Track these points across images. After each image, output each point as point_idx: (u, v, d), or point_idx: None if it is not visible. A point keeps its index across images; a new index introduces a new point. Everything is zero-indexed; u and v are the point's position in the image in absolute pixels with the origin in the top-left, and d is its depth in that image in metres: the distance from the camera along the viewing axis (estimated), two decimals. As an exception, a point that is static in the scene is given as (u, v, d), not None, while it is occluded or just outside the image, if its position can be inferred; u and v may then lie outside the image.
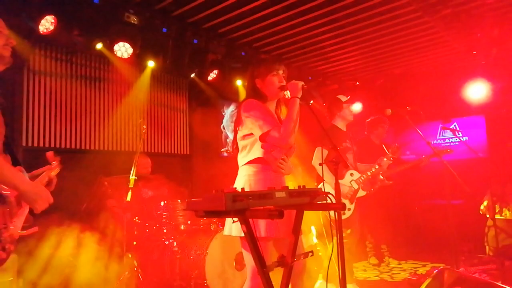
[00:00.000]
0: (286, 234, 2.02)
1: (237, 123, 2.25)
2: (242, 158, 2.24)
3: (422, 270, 4.43)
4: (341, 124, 3.67)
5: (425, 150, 4.49)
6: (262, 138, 2.15)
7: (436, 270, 3.14)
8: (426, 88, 5.87)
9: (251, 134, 2.19)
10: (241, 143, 2.25)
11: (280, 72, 2.29)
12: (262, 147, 2.17)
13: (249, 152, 2.21)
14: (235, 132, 2.28)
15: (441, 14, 4.16)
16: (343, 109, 3.60)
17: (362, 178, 3.58)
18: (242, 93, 5.70)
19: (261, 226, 2.04)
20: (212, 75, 4.95)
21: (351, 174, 3.57)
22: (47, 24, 3.54)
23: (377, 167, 3.62)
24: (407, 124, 3.73)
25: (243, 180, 2.18)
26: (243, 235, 2.00)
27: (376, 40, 4.87)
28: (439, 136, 6.39)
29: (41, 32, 3.54)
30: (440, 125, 6.09)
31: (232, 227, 2.08)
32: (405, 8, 4.06)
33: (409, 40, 4.89)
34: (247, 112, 2.18)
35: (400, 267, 4.72)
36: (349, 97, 3.62)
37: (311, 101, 2.18)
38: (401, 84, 6.15)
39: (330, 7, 4.01)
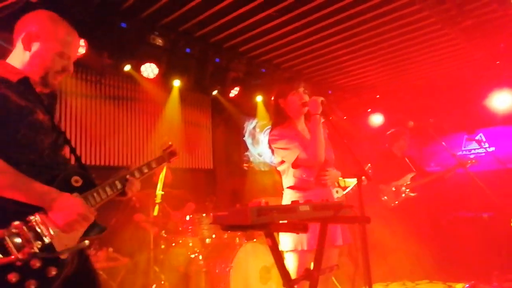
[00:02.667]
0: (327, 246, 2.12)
1: (272, 151, 2.42)
2: (284, 182, 2.40)
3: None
4: None
5: (449, 161, 4.43)
6: (294, 165, 2.30)
7: (468, 285, 3.05)
8: (450, 99, 5.79)
9: (283, 161, 2.35)
10: (279, 168, 2.43)
11: (301, 90, 2.39)
12: (293, 175, 2.32)
13: (287, 177, 2.38)
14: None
15: (461, 25, 4.15)
16: None
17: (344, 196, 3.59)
18: (261, 109, 5.80)
19: (304, 239, 2.15)
20: (234, 92, 5.07)
21: (337, 192, 3.57)
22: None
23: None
24: (431, 135, 3.71)
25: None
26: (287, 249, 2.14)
27: (397, 53, 4.88)
28: (464, 147, 6.25)
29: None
30: (465, 136, 5.96)
31: (280, 242, 2.20)
32: (426, 20, 4.06)
33: (430, 52, 4.87)
34: (274, 143, 2.36)
35: (431, 284, 4.58)
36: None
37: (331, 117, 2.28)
38: (423, 96, 6.09)
39: (348, 22, 4.07)
